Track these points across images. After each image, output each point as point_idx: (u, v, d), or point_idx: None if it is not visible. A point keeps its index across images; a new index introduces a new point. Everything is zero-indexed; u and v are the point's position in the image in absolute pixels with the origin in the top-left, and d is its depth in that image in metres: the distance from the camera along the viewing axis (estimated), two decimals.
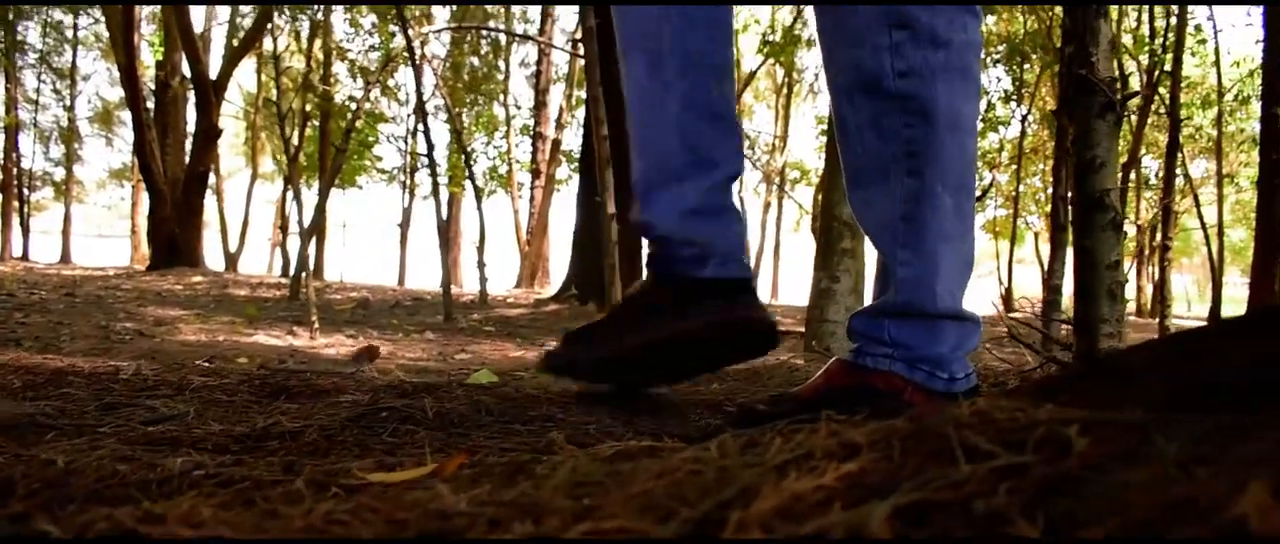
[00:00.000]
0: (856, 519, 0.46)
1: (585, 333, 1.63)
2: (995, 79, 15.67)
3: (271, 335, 5.79)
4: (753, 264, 26.25)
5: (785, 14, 20.10)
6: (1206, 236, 10.25)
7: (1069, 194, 4.61)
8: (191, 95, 15.55)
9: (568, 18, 21.99)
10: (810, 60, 23.38)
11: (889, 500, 0.47)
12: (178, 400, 1.62)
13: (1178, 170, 11.10)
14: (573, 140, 20.78)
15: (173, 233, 14.88)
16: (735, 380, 2.33)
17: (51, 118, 25.71)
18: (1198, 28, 14.11)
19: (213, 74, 15.57)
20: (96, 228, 40.56)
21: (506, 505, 0.55)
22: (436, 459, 0.99)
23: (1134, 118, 10.16)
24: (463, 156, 13.36)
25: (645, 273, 1.57)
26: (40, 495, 0.82)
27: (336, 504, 0.63)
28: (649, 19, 1.44)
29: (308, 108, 19.03)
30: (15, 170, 23.98)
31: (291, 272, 11.34)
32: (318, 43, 19.24)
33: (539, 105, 21.30)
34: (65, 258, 23.16)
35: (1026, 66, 14.79)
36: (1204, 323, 3.14)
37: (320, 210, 10.11)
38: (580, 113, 18.60)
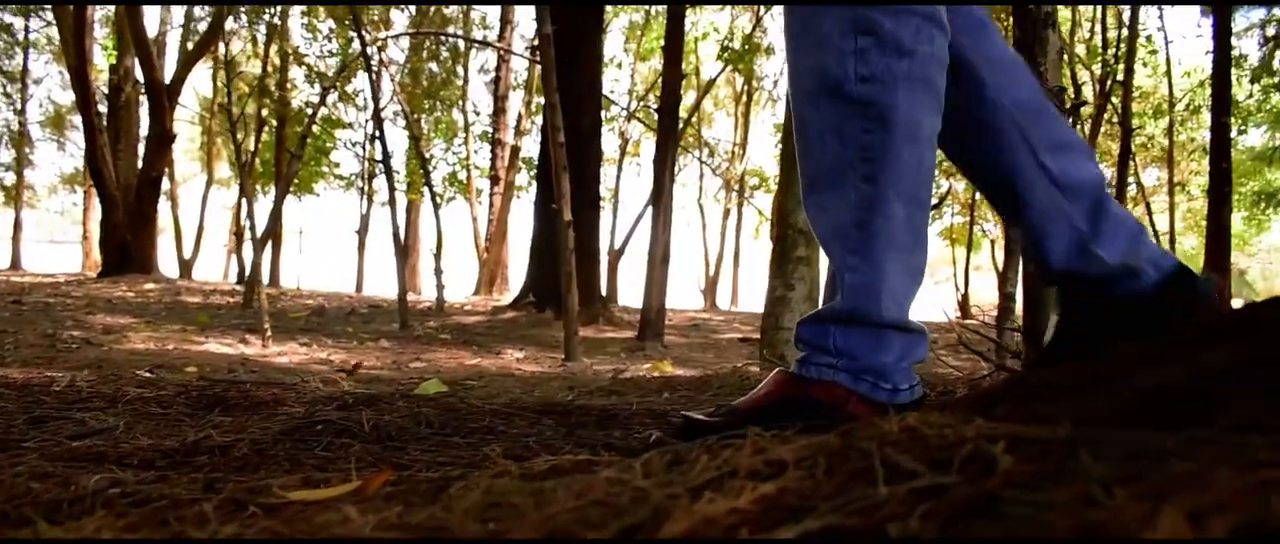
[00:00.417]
0: None
1: None
2: None
3: (222, 344, 5.70)
4: (712, 271, 26.32)
5: (745, 21, 20.20)
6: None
7: None
8: (145, 100, 15.29)
9: (527, 24, 21.86)
10: (770, 68, 23.53)
11: (801, 524, 0.45)
12: (109, 413, 1.57)
13: (1130, 178, 11.26)
14: (532, 147, 20.68)
15: (125, 239, 14.63)
16: (686, 389, 2.31)
17: (2, 121, 25.20)
18: (1149, 38, 14.38)
19: (167, 78, 15.34)
20: (48, 233, 39.89)
21: (412, 528, 0.52)
22: (365, 475, 0.97)
23: (1087, 126, 10.30)
24: (420, 163, 13.28)
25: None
26: None
27: (241, 528, 0.61)
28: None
29: (263, 113, 18.82)
30: None
31: (247, 278, 11.18)
32: (274, 47, 19.03)
33: (498, 111, 21.15)
34: (15, 264, 22.68)
35: None
36: None
37: (275, 217, 9.98)
38: (540, 119, 18.54)
